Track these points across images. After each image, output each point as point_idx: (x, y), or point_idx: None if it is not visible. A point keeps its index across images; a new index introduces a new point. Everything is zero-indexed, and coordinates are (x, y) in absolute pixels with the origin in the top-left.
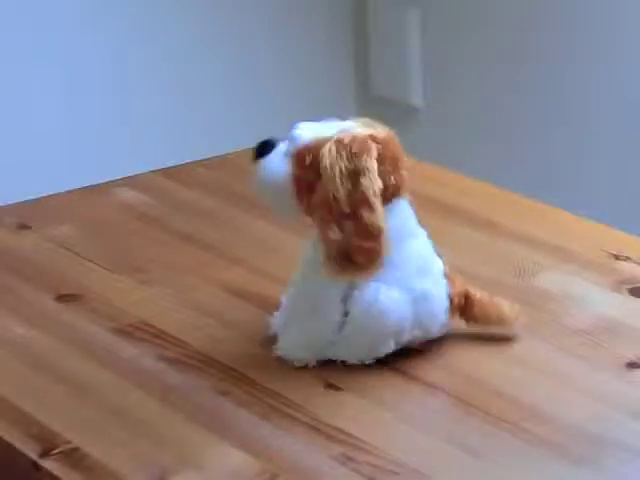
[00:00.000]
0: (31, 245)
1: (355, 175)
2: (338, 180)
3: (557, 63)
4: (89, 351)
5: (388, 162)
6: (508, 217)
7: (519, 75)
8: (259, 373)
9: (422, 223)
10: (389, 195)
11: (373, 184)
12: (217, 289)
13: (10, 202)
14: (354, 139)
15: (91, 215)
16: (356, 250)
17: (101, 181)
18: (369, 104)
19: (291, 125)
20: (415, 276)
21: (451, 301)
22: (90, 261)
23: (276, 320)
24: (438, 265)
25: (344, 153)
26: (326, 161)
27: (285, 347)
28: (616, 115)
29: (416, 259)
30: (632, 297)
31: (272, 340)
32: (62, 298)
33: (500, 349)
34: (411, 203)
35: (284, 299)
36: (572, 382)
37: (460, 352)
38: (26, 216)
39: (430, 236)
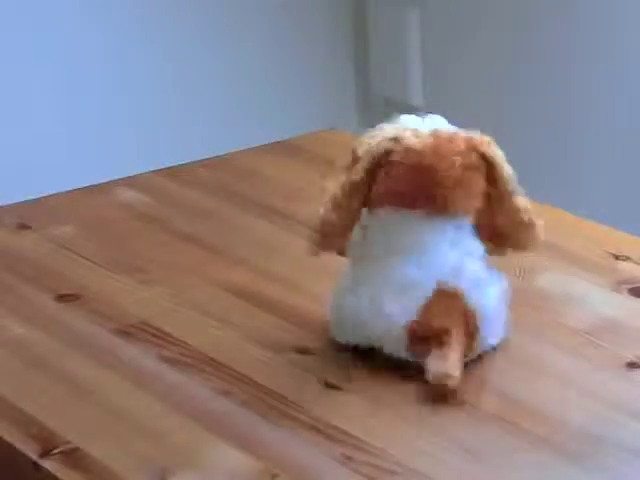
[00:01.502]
0: (31, 245)
1: None
2: None
3: (557, 63)
4: (89, 351)
5: None
6: None
7: (519, 75)
8: (259, 373)
9: None
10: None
11: None
12: (217, 289)
13: (10, 202)
14: None
15: (91, 215)
16: None
17: (101, 181)
18: (369, 104)
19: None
20: None
21: None
22: (90, 261)
23: None
24: None
25: None
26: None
27: None
28: (617, 115)
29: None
30: (632, 297)
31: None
32: (62, 298)
33: (500, 349)
34: None
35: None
36: (572, 382)
37: None
38: (26, 216)
39: None
